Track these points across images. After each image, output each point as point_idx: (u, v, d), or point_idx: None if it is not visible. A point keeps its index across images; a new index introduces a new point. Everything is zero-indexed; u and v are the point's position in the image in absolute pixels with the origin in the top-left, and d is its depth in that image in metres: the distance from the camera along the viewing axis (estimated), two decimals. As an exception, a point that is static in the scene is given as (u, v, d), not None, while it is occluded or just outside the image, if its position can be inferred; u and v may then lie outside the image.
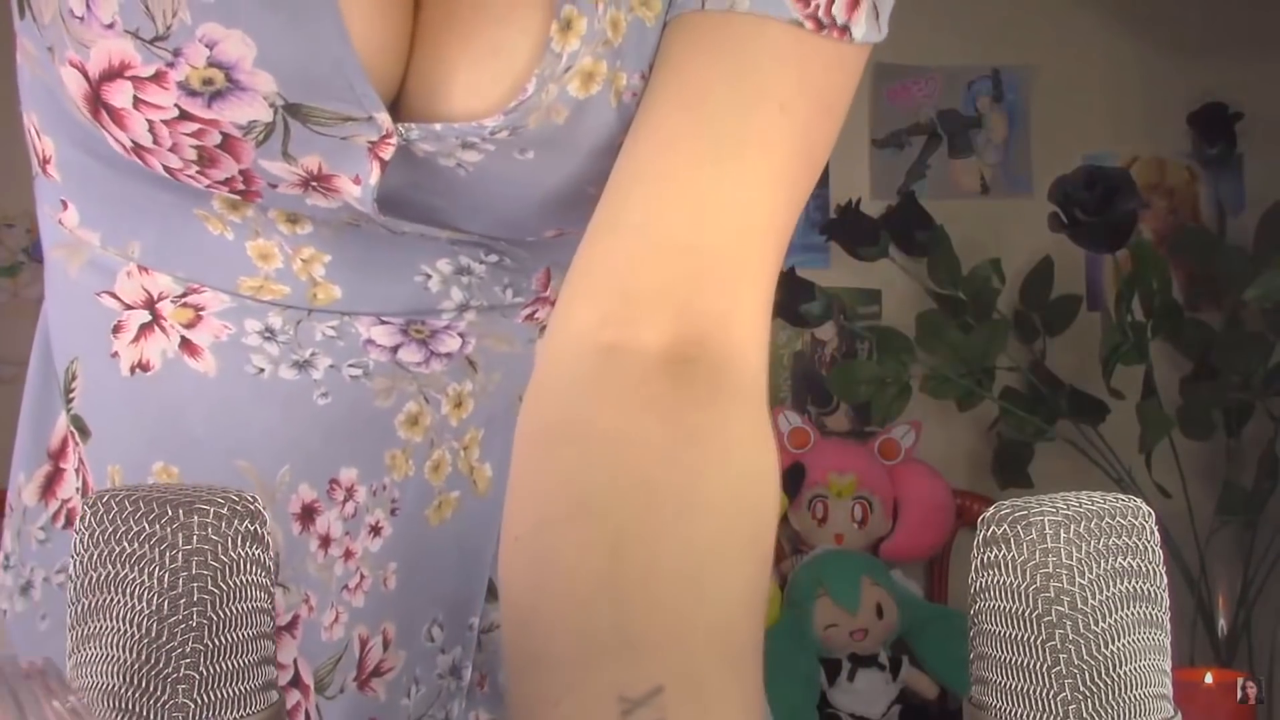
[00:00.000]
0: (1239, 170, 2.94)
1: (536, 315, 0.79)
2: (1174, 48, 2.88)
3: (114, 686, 0.42)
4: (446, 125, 0.64)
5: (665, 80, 0.66)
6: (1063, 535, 0.43)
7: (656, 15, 0.66)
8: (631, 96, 0.66)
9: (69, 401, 0.76)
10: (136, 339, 0.73)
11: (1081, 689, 0.43)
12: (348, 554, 0.76)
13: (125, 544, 0.42)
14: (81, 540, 0.43)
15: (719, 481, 0.57)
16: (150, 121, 0.63)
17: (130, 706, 0.42)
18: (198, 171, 0.65)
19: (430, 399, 0.76)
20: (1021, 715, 0.44)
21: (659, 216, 0.62)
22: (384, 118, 0.63)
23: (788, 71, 0.65)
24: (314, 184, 0.66)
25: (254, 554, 0.44)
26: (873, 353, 2.76)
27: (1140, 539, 0.44)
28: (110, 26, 0.60)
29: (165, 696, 0.42)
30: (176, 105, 0.62)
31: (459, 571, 0.79)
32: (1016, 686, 0.44)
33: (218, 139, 0.63)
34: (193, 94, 0.61)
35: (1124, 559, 0.44)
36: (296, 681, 0.74)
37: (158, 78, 0.61)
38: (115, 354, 0.73)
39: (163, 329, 0.72)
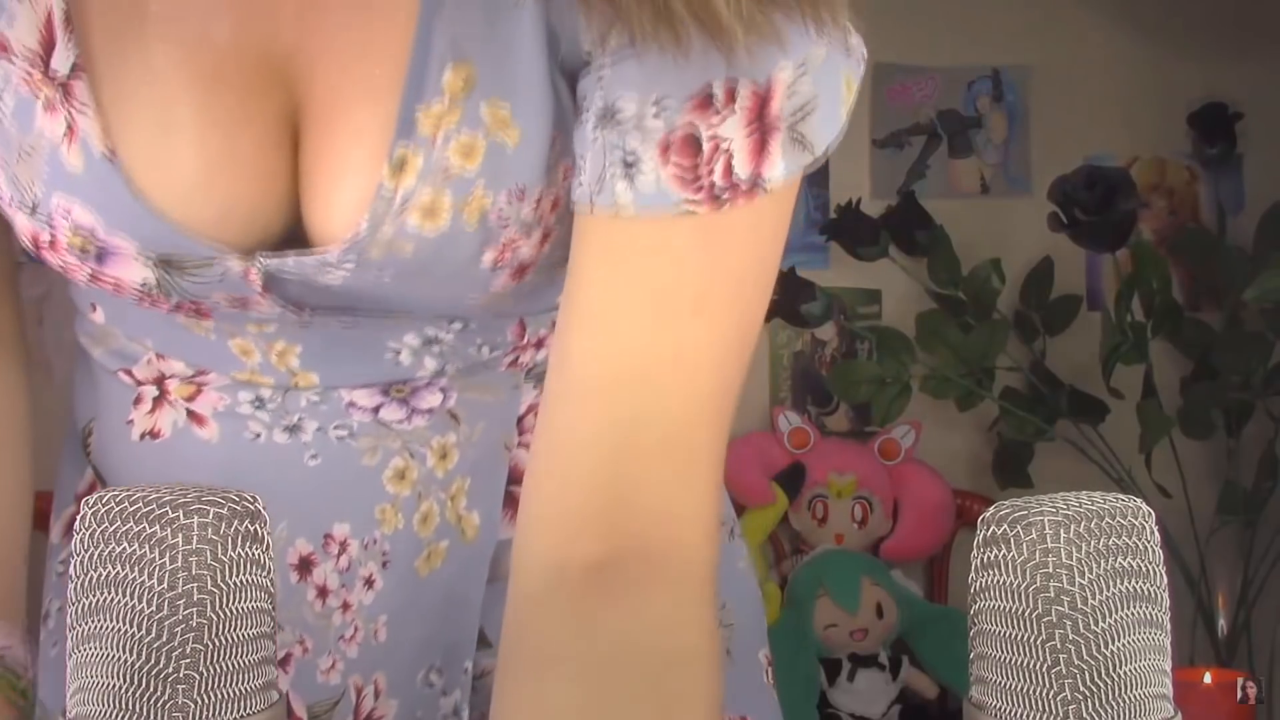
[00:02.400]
0: (1239, 170, 2.94)
1: (519, 361, 0.79)
2: (1174, 48, 2.88)
3: (114, 686, 0.42)
4: (297, 259, 0.66)
5: (575, 302, 0.65)
6: (1063, 535, 0.43)
7: (517, 139, 0.64)
8: (498, 216, 0.65)
9: (87, 451, 0.82)
10: (152, 410, 0.78)
11: (1081, 689, 0.43)
12: (345, 606, 0.79)
13: (125, 544, 0.42)
14: (81, 540, 0.43)
15: (624, 674, 0.61)
16: (84, 277, 0.67)
17: (130, 706, 0.42)
18: (150, 304, 0.70)
19: (415, 453, 0.78)
20: (1021, 715, 0.44)
21: (589, 443, 0.64)
22: (233, 261, 0.66)
23: (691, 267, 0.63)
24: (240, 304, 0.70)
25: (253, 554, 0.44)
26: (873, 353, 2.76)
27: (1140, 539, 0.44)
28: (10, 203, 0.65)
29: (165, 696, 0.42)
30: (82, 265, 0.66)
31: (450, 619, 0.81)
32: (1016, 686, 0.44)
33: (135, 294, 0.68)
34: (83, 257, 0.66)
35: (1124, 559, 0.44)
36: (289, 712, 0.76)
37: (53, 244, 0.66)
38: (130, 421, 0.78)
39: (170, 403, 0.77)
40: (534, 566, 0.65)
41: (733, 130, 0.61)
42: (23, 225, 0.66)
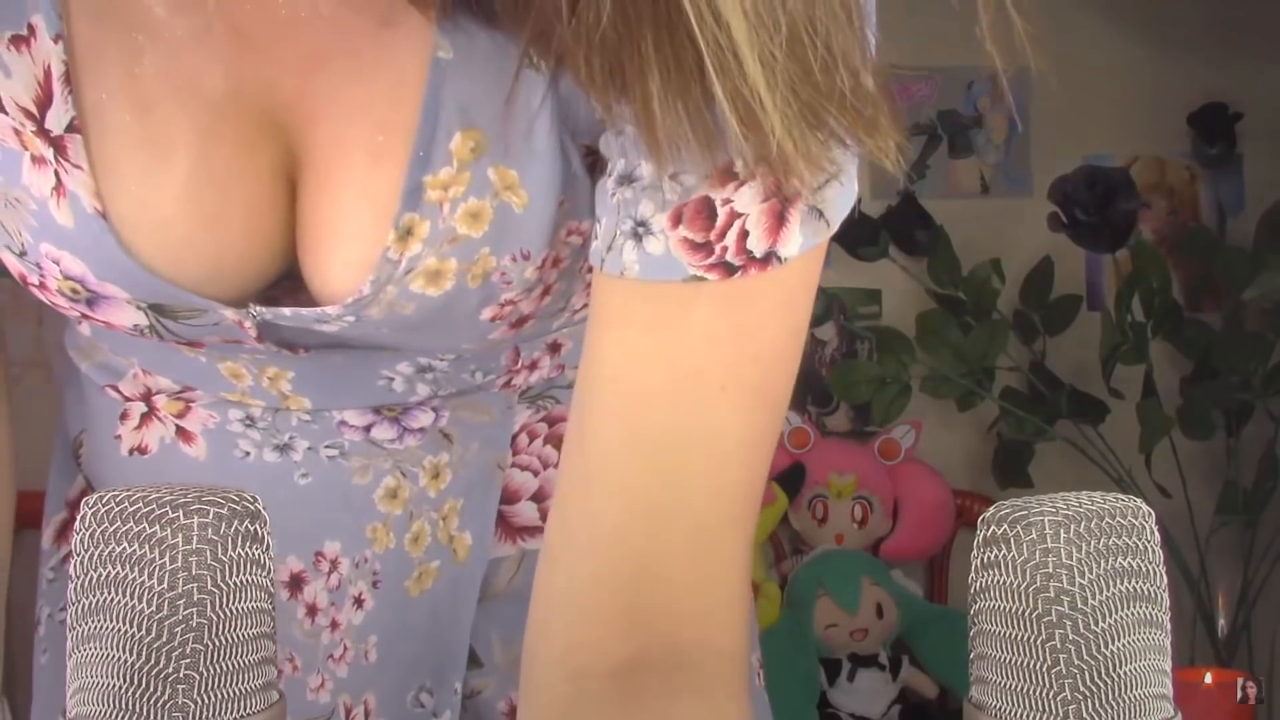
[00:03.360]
0: (1239, 170, 2.94)
1: (513, 383, 0.79)
2: (1174, 48, 2.88)
3: (114, 686, 0.42)
4: (295, 311, 0.65)
5: (595, 377, 0.61)
6: (1063, 535, 0.43)
7: (525, 201, 0.62)
8: (501, 276, 0.64)
9: (78, 461, 0.82)
10: (139, 426, 0.78)
11: (1081, 689, 0.43)
12: (334, 624, 0.78)
13: (125, 544, 0.42)
14: (81, 540, 0.43)
15: None
16: (75, 315, 0.67)
17: (130, 706, 0.42)
18: (142, 337, 0.69)
19: (407, 473, 0.78)
20: (1021, 715, 0.44)
21: (611, 535, 0.60)
22: (226, 312, 0.65)
23: (717, 342, 0.59)
24: (235, 343, 0.69)
25: (253, 554, 0.44)
26: (873, 353, 2.76)
27: (1140, 539, 0.44)
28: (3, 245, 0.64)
29: (165, 696, 0.42)
30: (73, 308, 0.66)
31: (439, 639, 0.80)
32: (1016, 686, 0.44)
33: (127, 336, 0.68)
34: (74, 300, 0.65)
35: (1124, 559, 0.44)
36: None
37: (43, 286, 0.65)
38: (118, 436, 0.78)
39: (159, 419, 0.77)
40: (552, 674, 0.61)
41: (749, 201, 0.57)
42: (11, 265, 0.65)
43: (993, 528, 0.45)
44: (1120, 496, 0.45)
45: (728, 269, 0.57)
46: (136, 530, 0.42)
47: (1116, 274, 2.67)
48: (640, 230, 0.58)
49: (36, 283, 0.65)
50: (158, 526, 0.42)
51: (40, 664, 0.82)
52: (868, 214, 2.64)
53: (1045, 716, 0.43)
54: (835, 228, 0.59)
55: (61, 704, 0.80)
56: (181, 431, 0.77)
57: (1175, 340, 2.68)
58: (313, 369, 0.73)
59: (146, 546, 0.42)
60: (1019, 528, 0.44)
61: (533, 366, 0.78)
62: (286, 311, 0.65)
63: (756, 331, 0.60)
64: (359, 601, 0.78)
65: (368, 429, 0.76)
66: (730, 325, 0.59)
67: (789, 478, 2.65)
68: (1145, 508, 0.45)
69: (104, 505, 0.43)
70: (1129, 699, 0.43)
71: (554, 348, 0.78)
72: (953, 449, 2.84)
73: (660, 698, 0.59)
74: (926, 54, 2.88)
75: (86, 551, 0.43)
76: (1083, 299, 2.75)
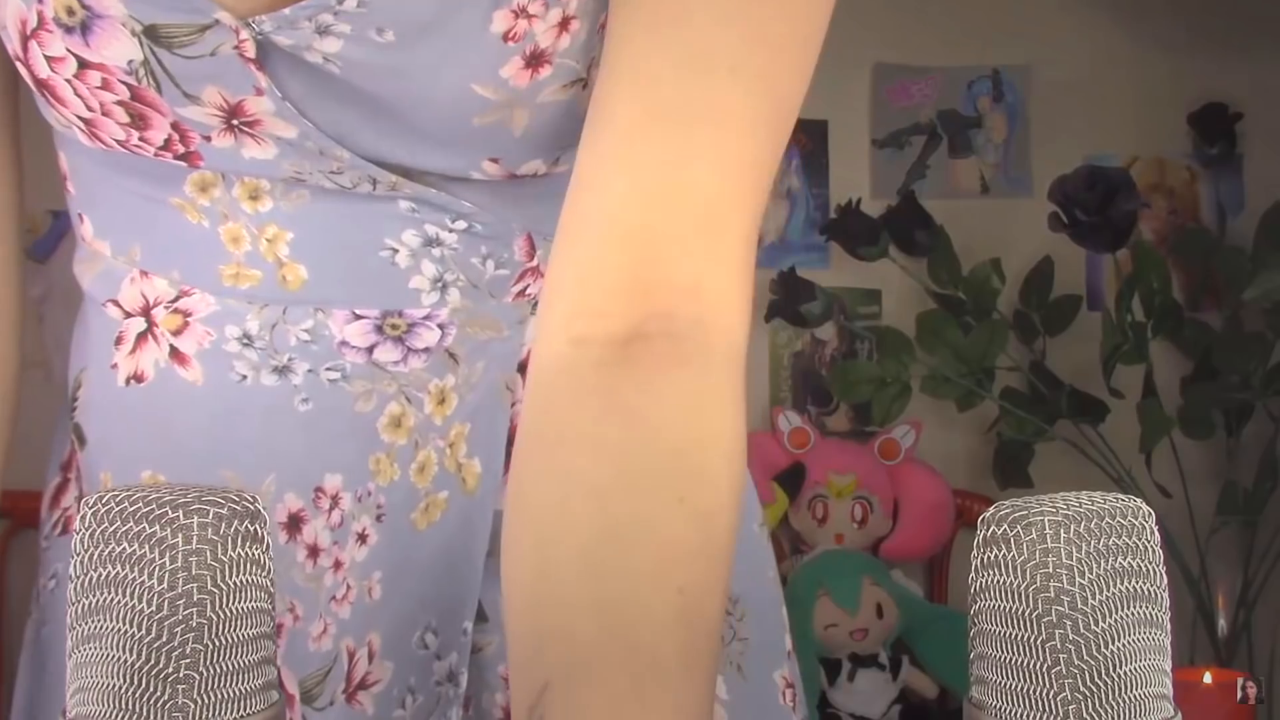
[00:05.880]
0: (1239, 170, 2.94)
1: (527, 291, 0.77)
2: (1174, 48, 2.88)
3: (114, 686, 0.42)
4: (296, 6, 0.63)
5: (613, 64, 0.64)
6: (1063, 535, 0.43)
7: None
8: None
9: (72, 411, 0.79)
10: (134, 350, 0.75)
11: (1081, 689, 0.43)
12: (337, 564, 0.76)
13: (125, 544, 0.42)
14: (81, 540, 0.43)
15: (645, 455, 0.58)
16: (71, 84, 0.65)
17: (130, 706, 0.42)
18: (140, 139, 0.67)
19: (412, 398, 0.75)
20: (1021, 715, 0.44)
21: (620, 209, 0.62)
22: (225, 16, 0.63)
23: (731, 27, 0.62)
24: (235, 122, 0.67)
25: (253, 554, 0.44)
26: (873, 353, 2.76)
27: (1140, 539, 0.44)
28: None
29: (165, 696, 0.42)
30: (68, 51, 0.64)
31: (449, 575, 0.78)
32: (1016, 686, 0.44)
33: (125, 92, 0.65)
34: (69, 30, 0.63)
35: (1124, 559, 0.44)
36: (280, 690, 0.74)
37: (41, 23, 0.63)
38: (115, 365, 0.75)
39: (155, 337, 0.74)
40: (554, 340, 0.62)
41: None
42: (12, 13, 0.64)
43: (993, 528, 0.45)
44: (1120, 496, 0.45)
45: None
46: (136, 530, 0.42)
47: (1116, 274, 2.67)
48: None
49: (34, 23, 0.63)
50: (158, 526, 0.42)
51: (41, 635, 0.81)
52: (868, 214, 2.63)
53: (1045, 716, 0.43)
54: None
55: (48, 682, 0.79)
56: (176, 354, 0.74)
57: (1175, 340, 2.68)
58: (315, 226, 0.71)
59: (146, 546, 0.42)
60: (1019, 528, 0.44)
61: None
62: (287, 11, 0.63)
63: (771, 28, 0.63)
64: (362, 537, 0.76)
65: (370, 350, 0.74)
66: (747, 20, 0.62)
67: (789, 478, 2.65)
68: (1145, 508, 0.45)
69: (104, 505, 0.43)
70: (1129, 699, 0.43)
71: None
72: (953, 449, 2.84)
73: (655, 368, 0.60)
74: (926, 54, 2.88)
75: (86, 551, 0.43)
76: (1083, 299, 2.75)
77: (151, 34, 0.63)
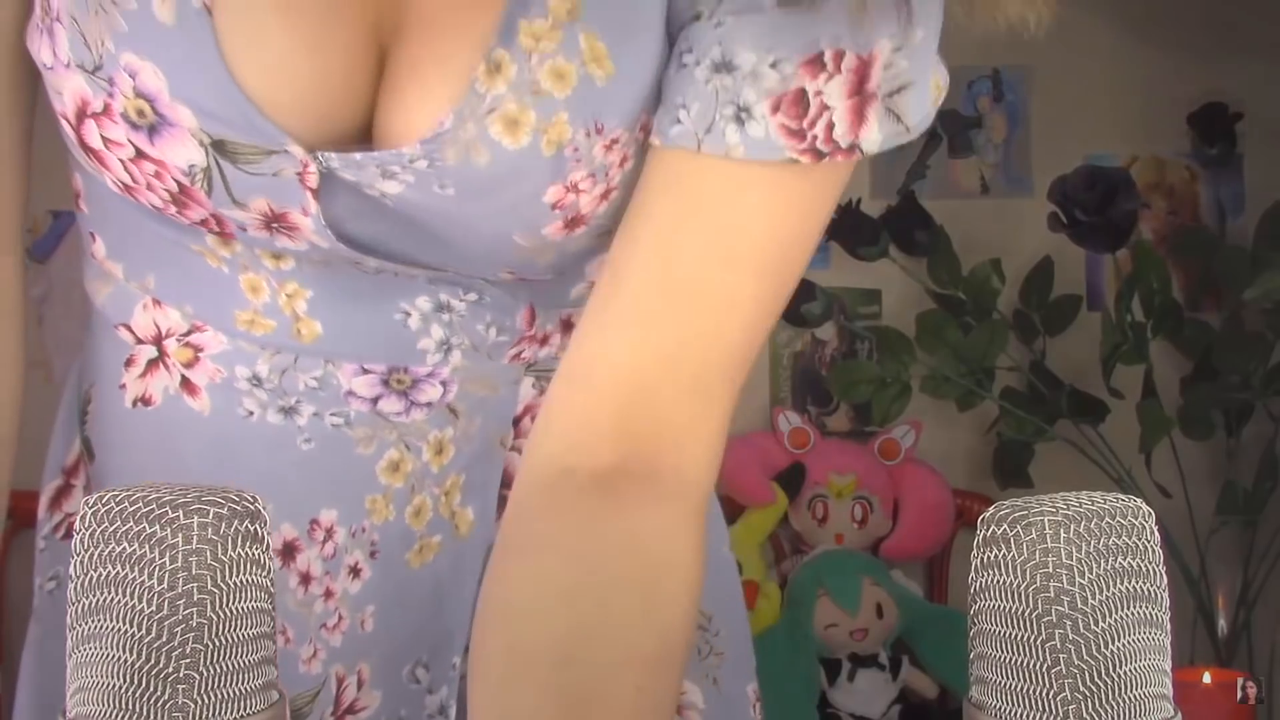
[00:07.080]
0: (1239, 170, 2.94)
1: (522, 355, 0.79)
2: (1174, 48, 2.88)
3: (114, 686, 0.42)
4: (366, 154, 0.66)
5: (641, 221, 0.67)
6: (1063, 535, 0.43)
7: (608, 75, 0.66)
8: (574, 151, 0.66)
9: (83, 423, 0.81)
10: (144, 374, 0.77)
11: (1081, 689, 0.43)
12: (328, 593, 0.78)
13: (125, 544, 0.42)
14: (81, 540, 0.43)
15: (616, 567, 0.63)
16: (121, 161, 0.66)
17: (130, 706, 0.42)
18: (177, 211, 0.68)
19: (411, 446, 0.78)
20: (1021, 715, 0.44)
21: (622, 363, 0.67)
22: (296, 149, 0.65)
23: (756, 224, 0.67)
24: (274, 224, 0.69)
25: (253, 554, 0.44)
26: (873, 353, 2.76)
27: (1140, 539, 0.44)
28: (68, 66, 0.64)
29: (165, 696, 0.42)
30: (129, 141, 0.65)
31: (439, 612, 0.80)
32: (1016, 686, 0.44)
33: (175, 186, 0.66)
34: (134, 127, 0.65)
35: (1124, 559, 0.44)
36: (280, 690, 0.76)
37: (106, 111, 0.65)
38: (123, 386, 0.77)
39: (166, 366, 0.76)
40: (543, 465, 0.67)
41: (835, 94, 0.64)
42: (74, 90, 0.65)
43: (993, 528, 0.45)
44: (1120, 496, 0.45)
45: (818, 154, 0.65)
46: (136, 530, 0.42)
47: (1116, 274, 2.67)
48: (743, 115, 0.64)
49: (99, 107, 0.65)
50: (158, 526, 0.42)
51: (38, 635, 0.82)
52: (868, 214, 2.63)
53: (1045, 716, 0.43)
54: (914, 134, 0.67)
55: (49, 685, 0.80)
56: (187, 384, 0.76)
57: (1175, 340, 2.68)
58: (334, 287, 0.73)
59: (146, 546, 0.42)
60: (1019, 528, 0.44)
61: (544, 341, 0.79)
62: (357, 156, 0.66)
63: (790, 217, 0.68)
64: (355, 571, 0.78)
65: (375, 400, 0.76)
66: (770, 215, 0.67)
67: (789, 478, 2.65)
68: (1145, 508, 0.45)
69: (104, 505, 0.43)
70: (1129, 699, 0.43)
71: (566, 325, 0.79)
72: (953, 449, 2.84)
73: (633, 500, 0.66)
74: (926, 54, 2.88)
75: (86, 551, 0.43)
76: (1083, 299, 2.75)
77: (219, 147, 0.65)
